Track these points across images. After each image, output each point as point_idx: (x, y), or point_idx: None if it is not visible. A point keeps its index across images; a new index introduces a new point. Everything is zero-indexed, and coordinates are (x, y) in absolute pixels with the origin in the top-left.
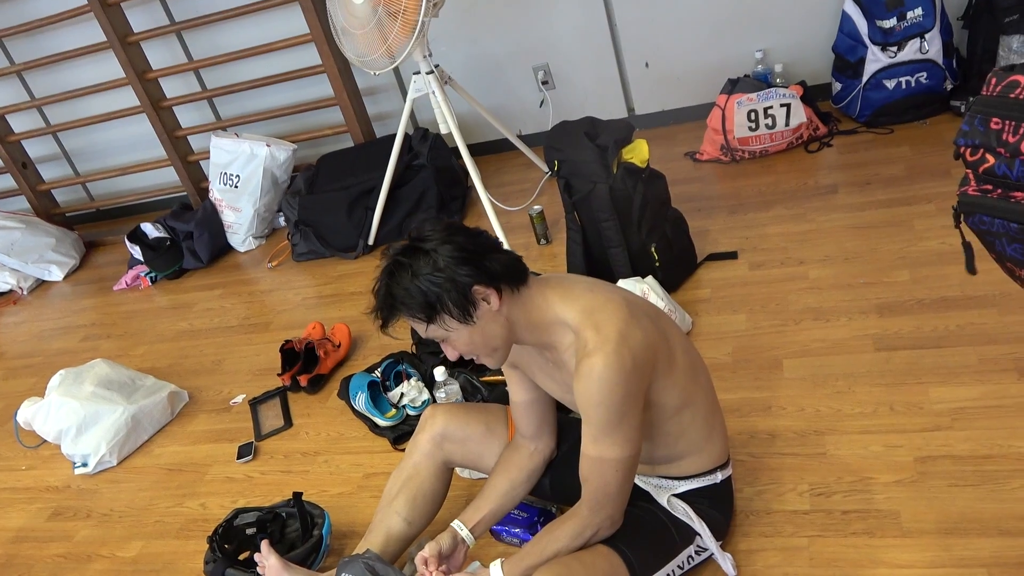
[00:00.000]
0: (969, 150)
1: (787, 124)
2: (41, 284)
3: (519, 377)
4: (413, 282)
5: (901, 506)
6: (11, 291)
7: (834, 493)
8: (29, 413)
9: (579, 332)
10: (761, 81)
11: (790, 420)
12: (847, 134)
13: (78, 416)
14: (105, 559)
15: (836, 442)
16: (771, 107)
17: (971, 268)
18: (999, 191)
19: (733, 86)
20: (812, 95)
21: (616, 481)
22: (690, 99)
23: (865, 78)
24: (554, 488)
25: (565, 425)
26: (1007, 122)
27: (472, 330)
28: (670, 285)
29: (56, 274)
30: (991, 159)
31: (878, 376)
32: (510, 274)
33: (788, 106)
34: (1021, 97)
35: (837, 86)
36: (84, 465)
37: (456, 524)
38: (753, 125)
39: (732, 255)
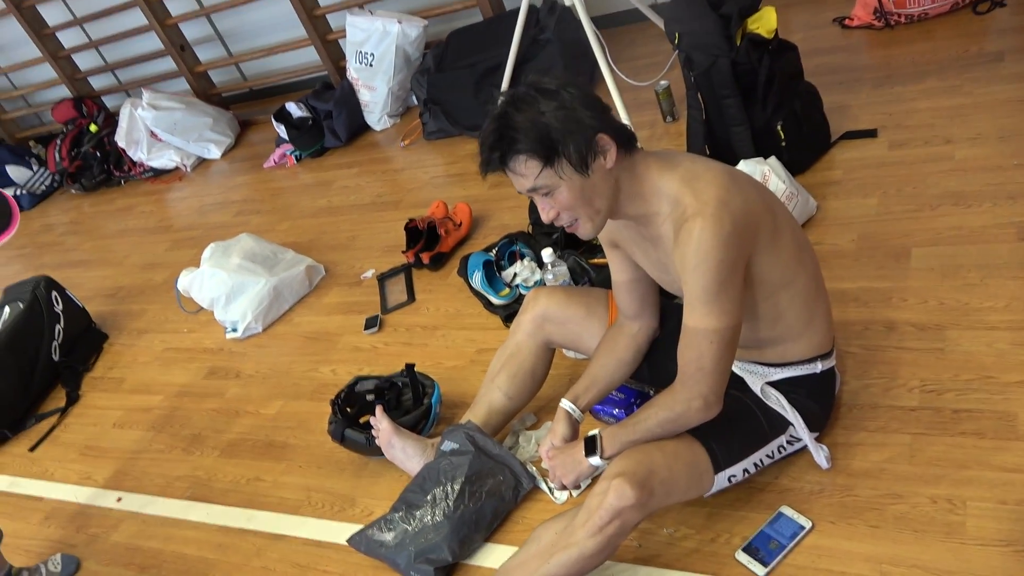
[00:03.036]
0: None
1: None
2: (202, 162)
3: (621, 256)
4: (539, 117)
5: (1020, 408)
6: (176, 168)
7: (947, 391)
8: (186, 282)
9: (678, 199)
10: None
11: (911, 312)
12: None
13: (226, 286)
14: (250, 415)
15: (957, 337)
16: None
17: None
18: None
19: None
20: None
21: (710, 354)
22: None
23: None
24: (652, 371)
25: (666, 309)
26: None
27: (584, 183)
28: (797, 166)
29: (214, 152)
30: None
31: (1017, 268)
32: (625, 135)
33: None
34: None
35: None
36: (234, 330)
37: (567, 405)
38: None
39: (871, 133)
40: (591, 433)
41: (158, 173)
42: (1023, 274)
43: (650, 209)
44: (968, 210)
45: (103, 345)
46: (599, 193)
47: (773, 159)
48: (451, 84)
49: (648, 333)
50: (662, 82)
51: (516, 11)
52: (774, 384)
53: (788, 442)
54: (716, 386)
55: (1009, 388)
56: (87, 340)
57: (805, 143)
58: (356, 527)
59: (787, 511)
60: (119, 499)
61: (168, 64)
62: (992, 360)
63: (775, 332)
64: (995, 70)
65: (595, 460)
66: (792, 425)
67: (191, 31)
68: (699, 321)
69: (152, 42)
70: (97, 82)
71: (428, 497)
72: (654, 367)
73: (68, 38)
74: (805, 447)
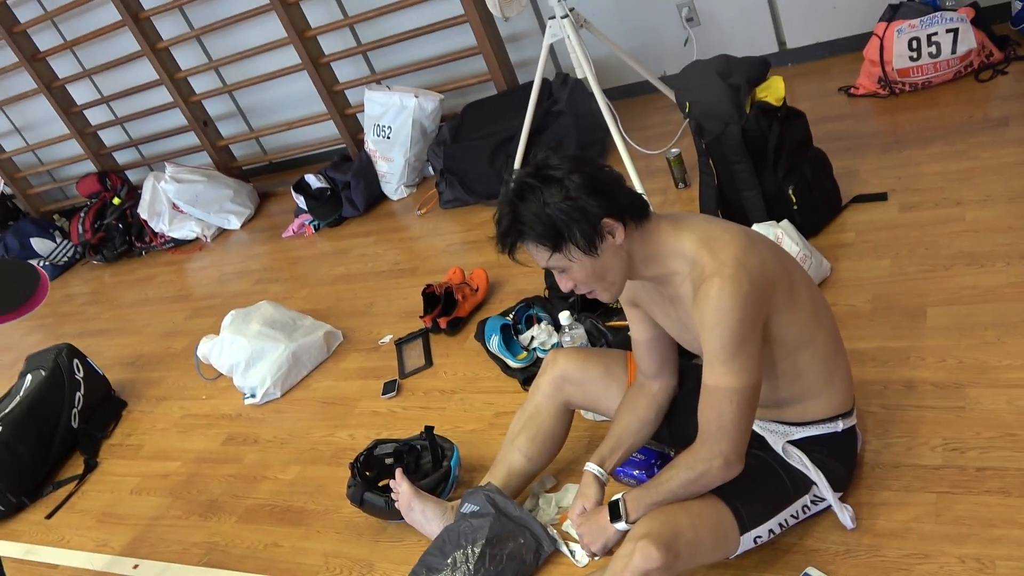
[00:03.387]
0: None
1: (953, 52)
2: (222, 232)
3: (640, 315)
4: (543, 208)
5: None
6: (197, 239)
7: (970, 449)
8: (206, 348)
9: (696, 259)
10: (928, 5)
11: (929, 371)
12: None
13: (246, 352)
14: (269, 480)
15: (978, 396)
16: (935, 33)
17: None
18: None
19: (894, 12)
20: (987, 17)
21: (730, 413)
22: (847, 29)
23: None
24: (672, 431)
25: (685, 369)
26: None
27: (594, 262)
28: (810, 229)
29: (234, 223)
30: None
31: None
32: (635, 209)
33: (955, 31)
34: None
35: (1017, 5)
36: (252, 396)
37: (594, 469)
38: (915, 54)
39: (881, 196)
40: (614, 498)
41: (179, 244)
42: None
43: (668, 270)
44: (982, 270)
45: (122, 412)
46: (611, 268)
47: (786, 222)
48: (467, 155)
49: (668, 392)
50: (673, 150)
51: (530, 84)
52: (795, 443)
53: (812, 502)
54: (737, 445)
55: None
56: (106, 407)
57: (816, 207)
58: None
59: (813, 572)
60: (135, 566)
61: (191, 139)
62: (1014, 417)
63: (795, 391)
64: (1001, 134)
65: (621, 525)
66: (816, 484)
67: (214, 107)
68: (719, 380)
69: (176, 118)
70: (121, 157)
71: (448, 560)
72: (674, 427)
73: (95, 115)
74: (829, 507)
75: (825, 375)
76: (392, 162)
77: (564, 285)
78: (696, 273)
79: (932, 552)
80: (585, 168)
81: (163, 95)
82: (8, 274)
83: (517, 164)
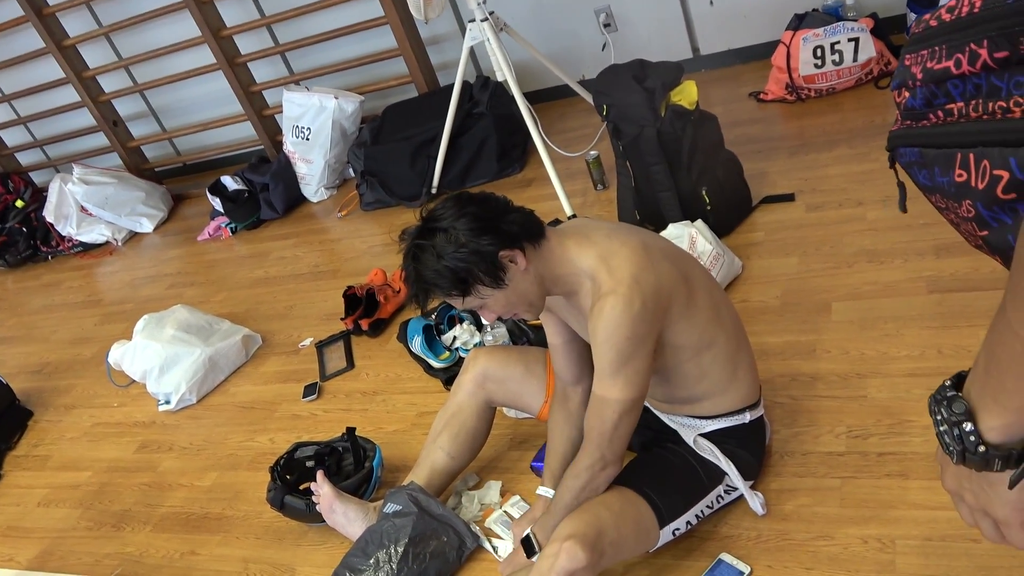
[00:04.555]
0: (896, 92)
1: (855, 59)
2: (133, 236)
3: (554, 320)
4: (440, 263)
5: None
6: (107, 242)
7: (871, 435)
8: (118, 354)
9: (595, 276)
10: (831, 15)
11: (834, 363)
12: None
13: (160, 357)
14: (184, 487)
15: (879, 385)
16: (838, 42)
17: (902, 207)
18: (909, 122)
19: (800, 21)
20: (885, 28)
21: (611, 421)
22: (757, 37)
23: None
24: None
25: None
26: (912, 55)
27: (506, 292)
28: (723, 228)
29: (147, 226)
30: (907, 94)
31: (929, 319)
32: (529, 231)
33: (856, 40)
34: (919, 29)
35: (912, 17)
36: (167, 403)
37: (547, 493)
38: (819, 62)
39: (789, 197)
40: (524, 534)
41: (87, 248)
42: (934, 324)
43: (573, 287)
44: (882, 266)
45: (28, 422)
46: (524, 291)
47: (700, 222)
48: (388, 156)
49: (588, 395)
50: (592, 152)
51: (451, 86)
52: (706, 435)
53: (725, 491)
54: (616, 449)
55: (928, 430)
56: (10, 417)
57: (728, 207)
58: None
59: (726, 558)
60: None
61: (100, 139)
62: (911, 404)
63: (700, 389)
64: None
65: (535, 558)
66: (727, 475)
67: (124, 107)
68: (605, 391)
69: (84, 118)
70: (24, 158)
71: (371, 560)
72: None
73: None
74: (742, 496)
75: (728, 372)
76: (312, 164)
77: (488, 318)
78: (594, 289)
79: (837, 534)
80: (468, 209)
81: (70, 94)
82: None
83: (439, 165)
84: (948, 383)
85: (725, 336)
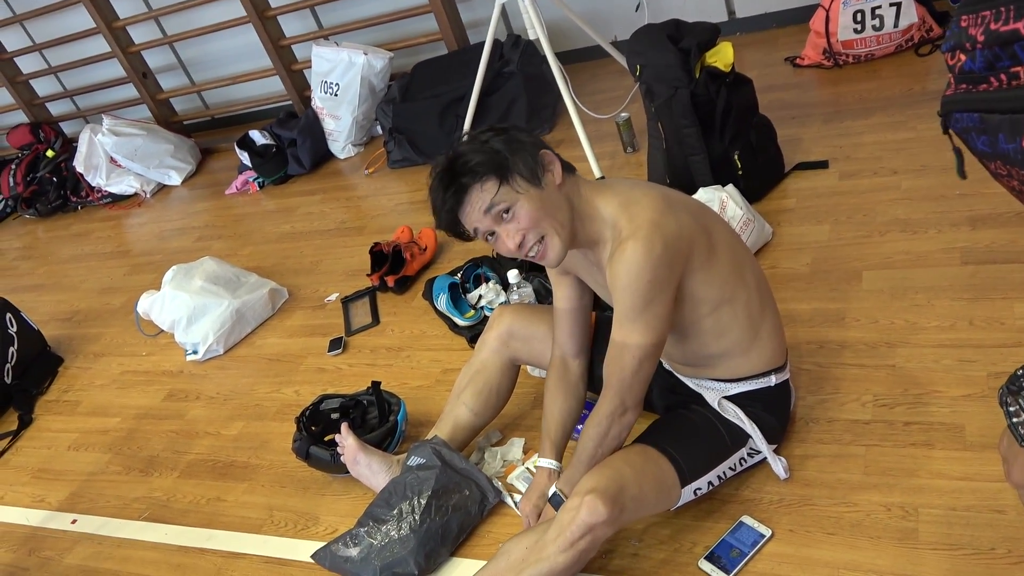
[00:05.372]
0: (949, 54)
1: (896, 25)
2: (162, 188)
3: (569, 282)
4: (482, 145)
5: (967, 420)
6: (136, 194)
7: (898, 404)
8: (147, 304)
9: (615, 224)
10: None
11: (862, 332)
12: None
13: (188, 308)
14: (211, 436)
15: (907, 355)
16: (879, 7)
17: (961, 173)
18: (966, 86)
19: None
20: None
21: (631, 367)
22: (794, 0)
23: None
24: (592, 380)
25: (602, 321)
26: (971, 16)
27: (541, 195)
28: (753, 194)
29: (175, 179)
30: (963, 57)
31: (961, 290)
32: (564, 161)
33: (898, 5)
34: None
35: None
36: (194, 352)
37: (550, 464)
38: (859, 27)
39: (822, 164)
40: (551, 492)
41: (116, 199)
42: (966, 296)
43: (594, 233)
44: (915, 236)
45: (58, 368)
46: (558, 206)
47: (731, 187)
48: (416, 114)
49: (587, 365)
50: (623, 114)
51: (481, 44)
52: (731, 398)
53: (748, 454)
54: (636, 395)
55: (956, 402)
56: (41, 363)
57: (760, 172)
58: (320, 544)
59: (748, 520)
60: (73, 521)
61: (129, 91)
62: (940, 376)
63: (721, 347)
64: (937, 107)
65: None
66: (751, 438)
67: (154, 59)
68: (625, 336)
69: (114, 69)
70: (55, 108)
71: (394, 511)
72: (593, 377)
73: (27, 64)
74: (764, 459)
75: (750, 332)
76: (339, 120)
77: (512, 240)
78: (614, 236)
79: (860, 501)
80: (505, 128)
81: (100, 44)
82: None
83: (467, 124)
84: (1021, 372)
85: (747, 294)
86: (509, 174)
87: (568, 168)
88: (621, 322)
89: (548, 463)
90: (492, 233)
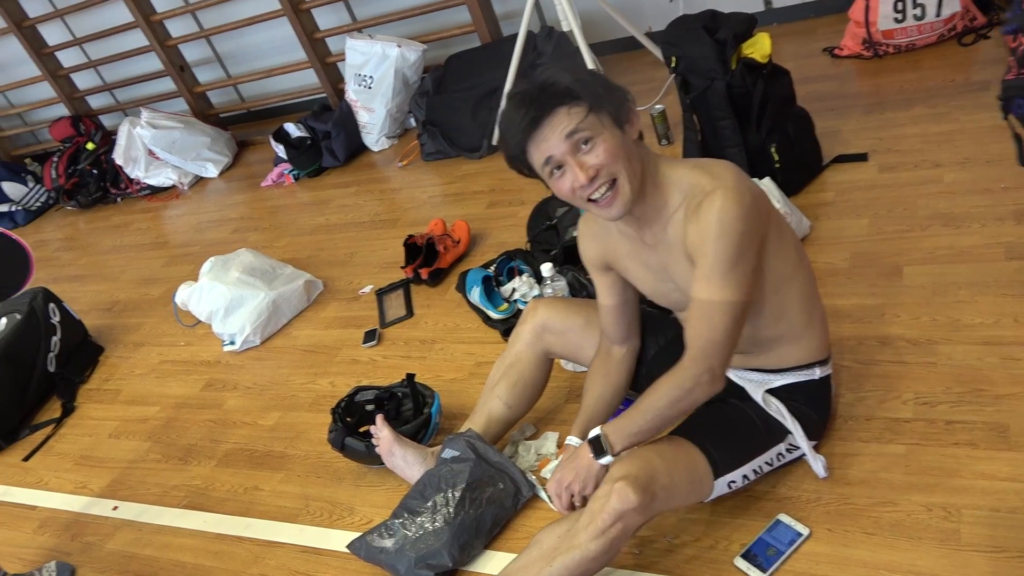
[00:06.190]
0: (1011, 36)
1: (938, 14)
2: (199, 180)
3: (610, 281)
4: (576, 72)
5: (1012, 420)
6: (174, 186)
7: (940, 403)
8: (185, 295)
9: (693, 183)
10: None
11: (903, 328)
12: None
13: (225, 299)
14: (248, 426)
15: (949, 352)
16: None
17: (1022, 160)
18: None
19: None
20: None
21: (723, 326)
22: None
23: None
24: (650, 381)
25: (662, 322)
26: None
27: (623, 138)
28: (791, 187)
29: (212, 171)
30: None
31: (1006, 286)
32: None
33: None
34: None
35: None
36: (232, 343)
37: (572, 440)
38: (900, 16)
39: (862, 157)
40: (594, 433)
41: (155, 191)
42: (1012, 292)
43: (659, 201)
44: (958, 231)
45: (99, 357)
46: (634, 155)
47: (767, 180)
48: (449, 107)
49: (634, 353)
50: (657, 106)
51: (514, 36)
52: (773, 392)
53: (787, 450)
54: (724, 360)
55: (1000, 400)
56: (83, 352)
57: (798, 165)
58: (355, 535)
59: (785, 518)
60: (115, 508)
61: (167, 84)
62: (983, 374)
63: (778, 331)
64: (981, 99)
65: (606, 459)
66: (791, 434)
67: (191, 52)
68: (714, 293)
69: (152, 63)
70: (95, 101)
71: (429, 503)
72: (653, 377)
73: (67, 58)
74: (802, 456)
75: (805, 316)
76: (373, 112)
77: (585, 171)
78: (692, 195)
79: (900, 500)
80: None
81: (139, 38)
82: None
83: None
84: None
85: (805, 275)
86: (598, 107)
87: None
88: (709, 278)
89: (573, 440)
90: (560, 167)
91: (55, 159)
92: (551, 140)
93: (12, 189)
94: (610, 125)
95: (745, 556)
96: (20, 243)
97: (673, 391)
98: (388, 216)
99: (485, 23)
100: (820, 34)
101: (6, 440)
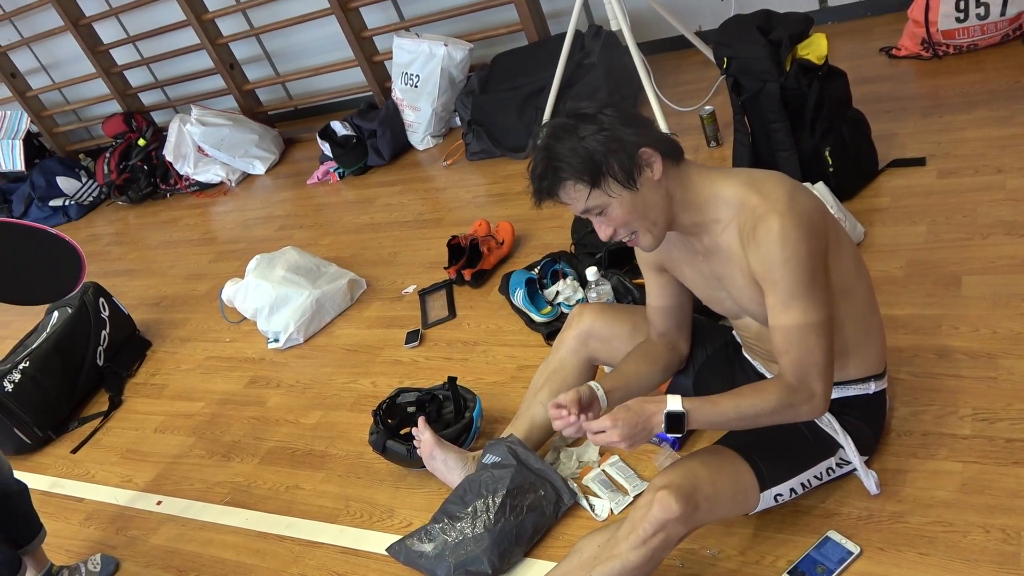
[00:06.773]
0: None
1: (1003, 13)
2: (246, 177)
3: (665, 281)
4: (579, 143)
5: None
6: (222, 183)
7: (1000, 420)
8: (231, 292)
9: (743, 202)
10: None
11: (962, 340)
12: None
13: (270, 297)
14: (290, 424)
15: (1011, 367)
16: None
17: None
18: None
19: None
20: None
21: (821, 348)
22: None
23: None
24: (697, 391)
25: (710, 330)
26: None
27: (634, 197)
28: (845, 192)
29: (259, 168)
30: None
31: None
32: (670, 145)
33: None
34: None
35: None
36: (276, 341)
37: (593, 384)
38: (961, 15)
39: (920, 161)
40: (675, 407)
41: (203, 187)
42: None
43: (706, 217)
44: (1021, 240)
45: (146, 352)
46: (651, 205)
47: (820, 184)
48: (495, 106)
49: (680, 355)
50: (707, 107)
51: (562, 35)
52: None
53: (837, 464)
54: (829, 382)
55: None
56: (131, 346)
57: (852, 169)
58: (394, 537)
59: (834, 536)
60: (159, 502)
61: (217, 82)
62: None
63: (836, 343)
64: None
65: (671, 436)
66: (842, 448)
67: (240, 51)
68: (799, 317)
69: (202, 60)
70: (147, 98)
71: (469, 509)
72: (699, 387)
73: (121, 55)
74: (853, 471)
75: (863, 330)
76: (419, 111)
77: (603, 232)
78: (744, 216)
79: (957, 521)
80: (617, 103)
81: (190, 36)
82: (53, 262)
83: (547, 117)
84: None
85: (864, 287)
86: (602, 179)
87: (673, 154)
88: (788, 304)
89: (596, 386)
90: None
91: (107, 155)
92: (570, 205)
93: (66, 184)
94: (618, 190)
95: (792, 573)
96: (73, 245)
97: (777, 405)
98: (432, 216)
99: (532, 22)
100: (877, 33)
101: (55, 432)
